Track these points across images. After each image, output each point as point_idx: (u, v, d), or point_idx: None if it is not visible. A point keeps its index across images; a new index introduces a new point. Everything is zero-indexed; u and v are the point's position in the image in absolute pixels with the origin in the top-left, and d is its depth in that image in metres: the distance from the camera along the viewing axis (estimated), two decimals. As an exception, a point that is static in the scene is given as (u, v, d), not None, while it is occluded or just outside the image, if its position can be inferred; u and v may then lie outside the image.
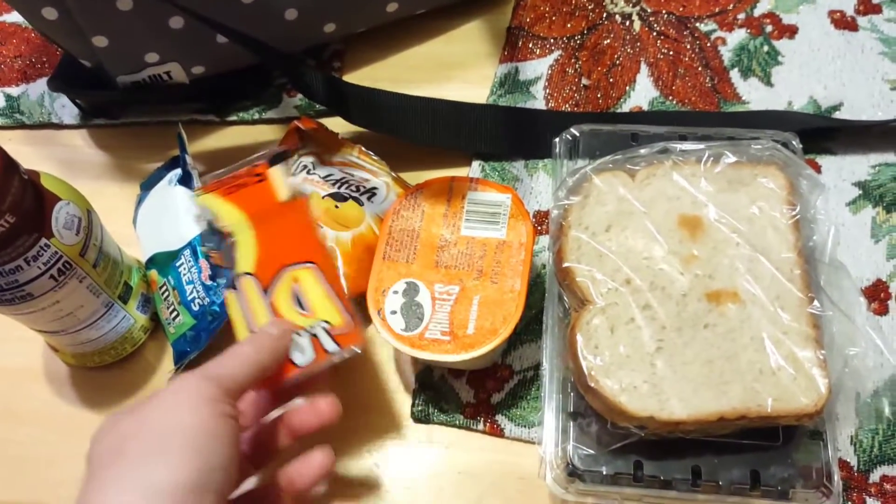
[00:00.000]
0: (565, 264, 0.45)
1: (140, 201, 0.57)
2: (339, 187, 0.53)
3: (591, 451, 0.42)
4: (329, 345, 0.43)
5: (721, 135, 0.51)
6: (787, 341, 0.42)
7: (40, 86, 0.64)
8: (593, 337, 0.42)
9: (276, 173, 0.48)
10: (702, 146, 0.47)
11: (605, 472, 0.42)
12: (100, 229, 0.46)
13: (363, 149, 0.56)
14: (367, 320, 0.46)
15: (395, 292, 0.46)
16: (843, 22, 0.60)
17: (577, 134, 0.51)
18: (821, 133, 0.55)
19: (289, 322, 0.43)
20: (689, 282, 0.43)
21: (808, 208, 0.46)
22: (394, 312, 0.45)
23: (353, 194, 0.53)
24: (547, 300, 0.48)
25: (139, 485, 0.32)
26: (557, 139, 0.52)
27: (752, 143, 0.48)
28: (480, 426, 0.48)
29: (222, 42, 0.55)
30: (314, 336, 0.43)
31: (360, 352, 0.43)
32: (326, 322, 0.43)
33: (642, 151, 0.47)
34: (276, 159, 0.48)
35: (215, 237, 0.46)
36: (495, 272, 0.46)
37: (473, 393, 0.49)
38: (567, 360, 0.43)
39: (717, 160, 0.47)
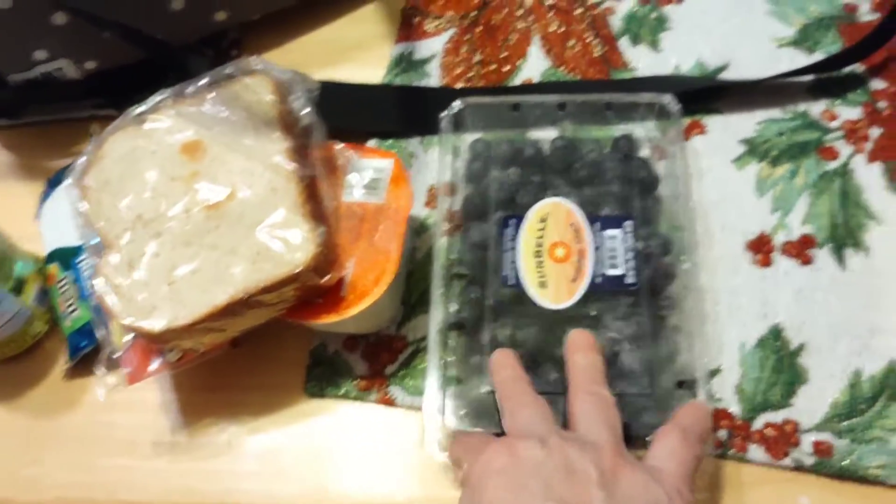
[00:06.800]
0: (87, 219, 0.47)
1: (45, 197, 0.57)
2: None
3: (467, 414, 0.43)
4: None
5: (600, 101, 0.52)
6: (282, 222, 0.45)
7: (-59, 90, 0.64)
8: (113, 276, 0.45)
9: None
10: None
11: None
12: (-18, 225, 0.47)
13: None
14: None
15: None
16: (731, -17, 0.61)
17: (461, 108, 0.52)
18: (708, 93, 0.56)
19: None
20: (190, 198, 0.46)
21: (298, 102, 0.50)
22: None
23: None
24: (434, 270, 0.49)
25: None
26: (443, 115, 0.52)
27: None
28: (373, 397, 0.49)
29: (110, 36, 0.55)
30: None
31: None
32: None
33: (151, 100, 0.50)
34: None
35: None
36: (372, 236, 0.47)
37: (367, 366, 0.50)
38: None
39: (212, 85, 0.50)
